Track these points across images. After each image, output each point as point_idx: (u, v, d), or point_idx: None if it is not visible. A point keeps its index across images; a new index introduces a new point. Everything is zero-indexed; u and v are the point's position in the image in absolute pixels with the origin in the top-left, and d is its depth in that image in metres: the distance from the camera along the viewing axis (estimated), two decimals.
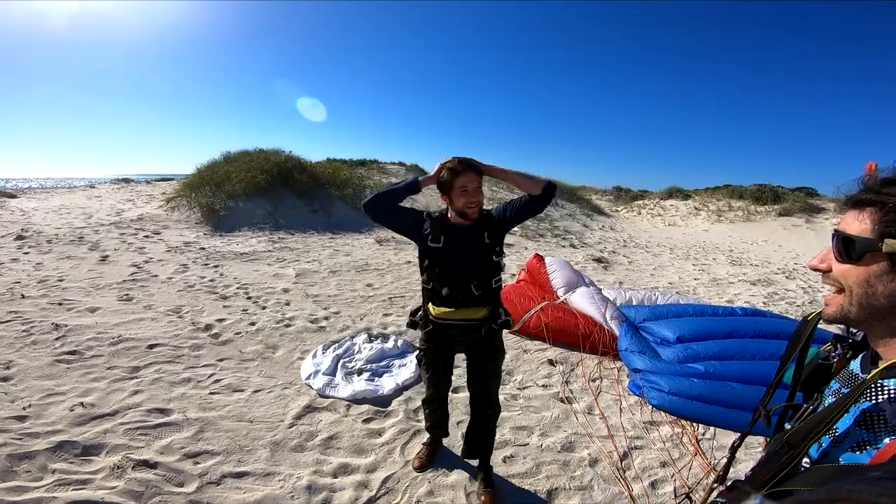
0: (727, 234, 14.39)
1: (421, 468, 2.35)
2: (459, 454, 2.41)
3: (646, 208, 19.48)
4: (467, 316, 1.98)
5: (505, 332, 4.33)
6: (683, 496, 1.05)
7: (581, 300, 4.78)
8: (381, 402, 3.02)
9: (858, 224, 0.67)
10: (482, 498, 2.17)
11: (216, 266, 6.25)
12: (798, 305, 6.07)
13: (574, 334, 4.19)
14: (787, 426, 0.82)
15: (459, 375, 2.50)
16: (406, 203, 2.01)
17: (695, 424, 2.91)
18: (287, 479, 2.23)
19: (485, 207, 2.00)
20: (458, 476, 2.32)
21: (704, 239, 13.22)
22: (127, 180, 13.04)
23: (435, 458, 2.43)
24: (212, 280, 5.55)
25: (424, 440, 2.53)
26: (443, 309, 1.98)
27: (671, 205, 19.34)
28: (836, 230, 0.70)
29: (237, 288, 5.32)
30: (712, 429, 2.86)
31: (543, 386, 3.41)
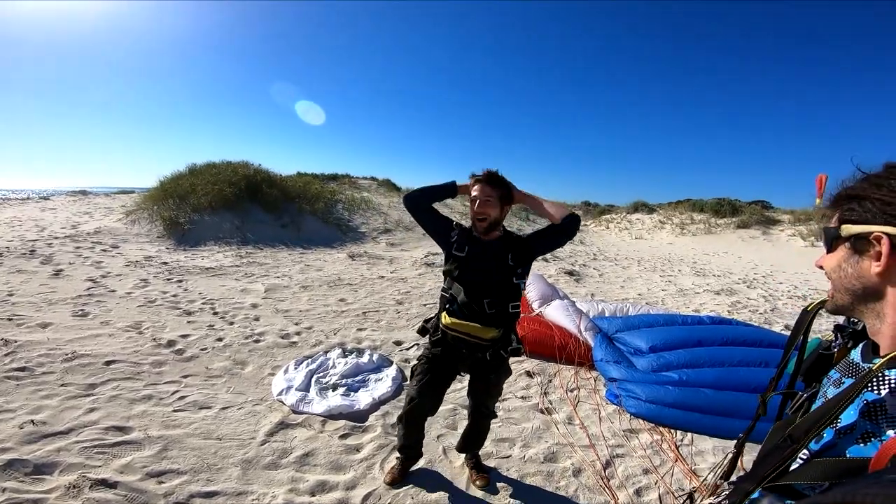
0: (690, 246, 14.93)
1: (392, 483, 2.27)
2: (432, 471, 2.40)
3: (613, 222, 20.04)
4: (477, 333, 1.94)
5: None
6: (686, 496, 1.02)
7: (556, 313, 4.82)
8: (358, 418, 2.92)
9: (832, 219, 0.75)
10: (478, 481, 2.29)
11: (180, 281, 5.98)
12: (761, 313, 6.30)
13: (550, 346, 4.20)
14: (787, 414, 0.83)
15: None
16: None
17: (673, 431, 2.94)
18: (261, 497, 2.10)
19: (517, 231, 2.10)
20: (440, 494, 2.25)
21: (669, 251, 13.66)
22: (84, 192, 12.41)
23: (407, 474, 2.35)
24: (175, 295, 5.30)
25: (398, 454, 2.43)
26: (454, 319, 1.96)
27: (637, 218, 19.96)
28: (822, 227, 0.78)
29: (202, 303, 5.09)
30: (690, 434, 2.89)
31: (522, 397, 3.38)
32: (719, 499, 0.84)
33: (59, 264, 5.97)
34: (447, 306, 2.01)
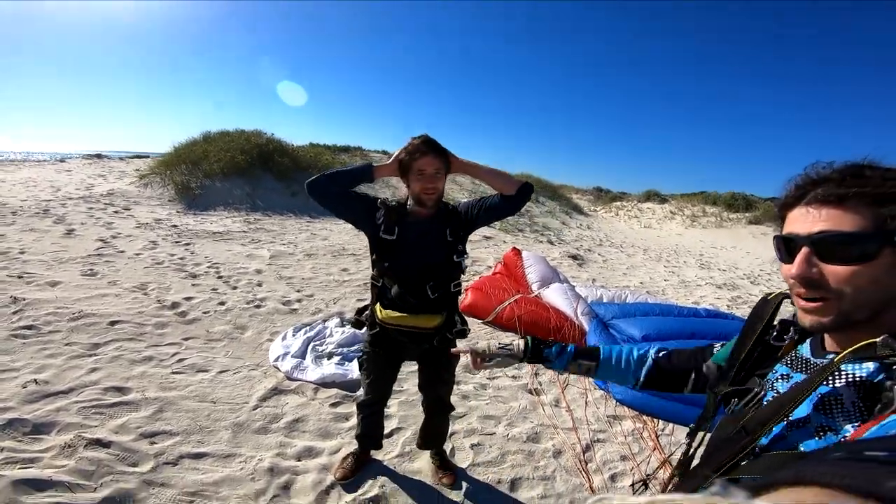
0: (699, 238, 14.77)
1: (344, 478, 2.13)
2: (394, 463, 2.32)
3: (623, 209, 19.84)
4: (419, 324, 1.76)
5: (477, 322, 4.41)
6: (641, 483, 1.06)
7: (554, 295, 4.85)
8: (350, 387, 2.99)
9: (843, 221, 0.65)
10: (443, 479, 2.20)
11: (187, 244, 6.09)
12: None
13: (545, 328, 4.25)
14: (732, 410, 0.81)
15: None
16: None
17: (655, 420, 2.99)
18: (248, 460, 2.19)
19: (452, 201, 1.86)
20: (422, 462, 2.33)
21: (677, 242, 13.54)
22: (99, 156, 12.55)
23: (361, 469, 2.21)
24: (181, 258, 5.40)
25: (352, 450, 2.27)
26: (391, 313, 1.76)
27: (648, 207, 19.74)
28: (822, 230, 0.68)
29: (208, 267, 5.20)
30: (671, 425, 2.94)
31: (513, 377, 3.44)
32: (670, 488, 0.86)
33: (72, 224, 6.09)
34: (381, 298, 1.79)
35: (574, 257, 8.68)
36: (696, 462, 0.89)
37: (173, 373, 2.89)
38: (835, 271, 0.63)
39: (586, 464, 2.47)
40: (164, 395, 2.62)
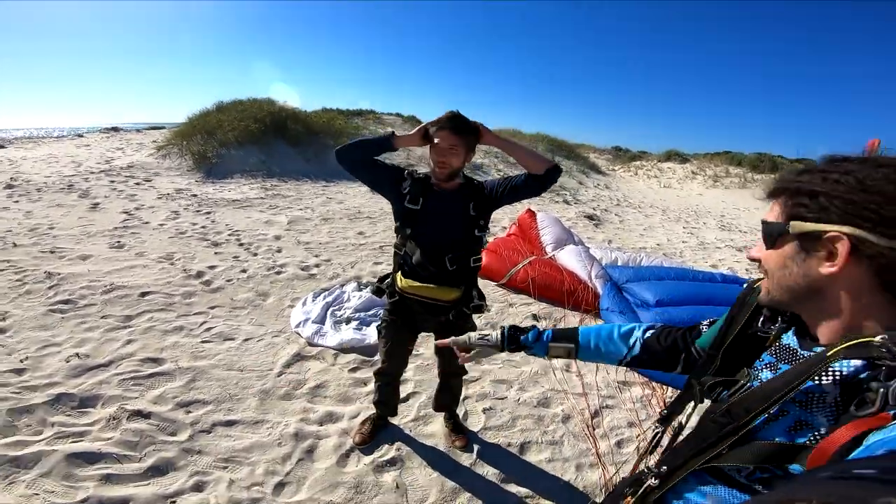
0: (721, 199, 14.40)
1: (362, 443, 2.25)
2: (409, 426, 2.44)
3: (643, 169, 19.33)
4: (436, 296, 1.83)
5: (491, 284, 4.46)
6: (632, 480, 1.00)
7: (568, 257, 4.87)
8: (368, 352, 3.12)
9: (773, 212, 0.71)
10: (456, 442, 2.33)
11: (208, 213, 6.24)
12: None
13: (559, 290, 4.30)
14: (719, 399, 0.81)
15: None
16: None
17: (664, 387, 3.07)
18: (275, 426, 2.35)
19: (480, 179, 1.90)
20: (436, 426, 2.47)
21: (698, 203, 13.26)
22: (116, 129, 12.73)
23: (378, 434, 2.33)
24: (203, 227, 5.56)
25: (370, 415, 2.41)
26: (410, 282, 1.83)
27: (668, 167, 19.18)
28: (762, 220, 0.73)
29: (228, 235, 5.35)
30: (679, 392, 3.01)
31: None
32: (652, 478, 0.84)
33: (96, 198, 6.27)
34: (402, 266, 1.86)
35: (590, 217, 8.61)
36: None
37: (202, 342, 3.05)
38: (762, 254, 0.74)
39: (594, 429, 2.57)
40: (196, 364, 2.79)
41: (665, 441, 1.01)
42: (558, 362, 3.25)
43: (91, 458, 2.02)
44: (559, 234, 5.58)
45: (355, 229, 6.18)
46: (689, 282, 4.49)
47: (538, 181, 1.77)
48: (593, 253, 5.27)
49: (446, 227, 1.79)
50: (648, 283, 4.40)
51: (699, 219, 10.22)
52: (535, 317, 3.98)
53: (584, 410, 2.73)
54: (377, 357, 3.03)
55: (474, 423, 2.53)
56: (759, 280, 0.84)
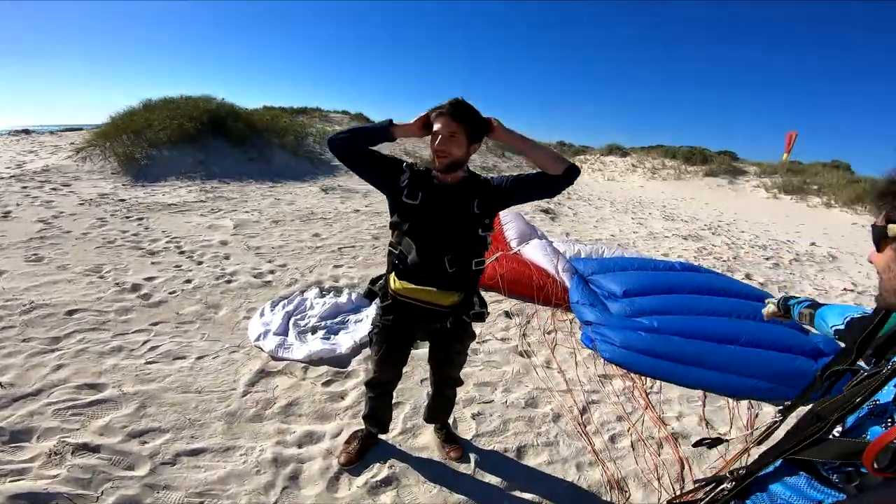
0: (660, 190, 15.16)
1: (349, 463, 2.05)
2: (398, 441, 2.26)
3: (587, 163, 20.03)
4: (433, 300, 1.66)
5: None
6: (711, 480, 1.00)
7: (534, 252, 4.84)
8: (340, 363, 2.90)
9: (881, 216, 0.73)
10: (451, 453, 2.17)
11: (140, 219, 5.64)
12: (724, 260, 6.54)
13: (528, 285, 4.25)
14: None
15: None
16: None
17: (644, 378, 3.07)
18: (249, 452, 2.09)
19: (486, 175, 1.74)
20: (427, 437, 2.30)
21: (641, 194, 13.85)
22: (27, 131, 11.40)
23: (366, 454, 2.12)
24: (136, 234, 5.00)
25: (355, 431, 2.21)
26: (404, 283, 1.66)
27: (611, 161, 20.00)
28: (872, 224, 0.75)
29: (167, 242, 4.84)
30: (658, 382, 3.02)
31: (502, 339, 3.44)
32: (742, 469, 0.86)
33: (7, 206, 5.47)
34: (397, 266, 1.71)
35: (546, 211, 8.72)
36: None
37: (148, 363, 2.69)
38: (873, 257, 0.76)
39: (585, 426, 2.51)
40: (144, 388, 2.44)
41: (779, 432, 0.97)
42: (538, 359, 3.19)
43: (37, 498, 1.72)
44: (523, 228, 5.56)
45: (310, 231, 5.84)
46: (651, 271, 4.59)
47: (556, 182, 1.60)
48: (557, 246, 5.28)
49: (446, 224, 1.62)
50: (614, 274, 4.45)
51: (644, 209, 10.65)
52: (507, 314, 3.90)
53: (572, 408, 2.66)
54: (351, 368, 2.84)
55: (465, 431, 2.38)
56: None
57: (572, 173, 1.61)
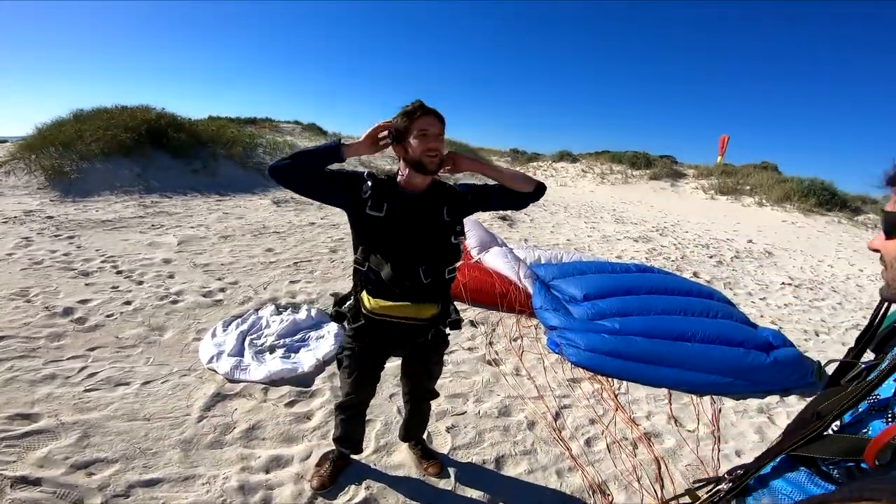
0: (610, 195, 15.76)
1: (322, 487, 1.93)
2: (372, 460, 2.17)
3: (540, 169, 20.57)
4: (412, 314, 1.59)
5: None
6: (712, 480, 1.01)
7: (495, 259, 4.85)
8: (303, 382, 2.76)
9: (892, 201, 0.70)
10: (429, 469, 2.10)
11: (71, 237, 5.18)
12: (672, 260, 6.86)
13: (491, 293, 4.25)
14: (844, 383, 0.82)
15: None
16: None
17: (610, 380, 3.11)
18: (212, 481, 1.92)
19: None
20: (402, 455, 2.21)
21: (591, 199, 14.32)
22: None
23: (339, 476, 2.01)
24: (66, 254, 4.58)
25: (326, 452, 2.10)
26: (381, 302, 1.57)
27: (562, 167, 20.64)
28: (883, 209, 0.72)
29: (102, 261, 4.46)
30: (625, 383, 3.08)
31: (469, 349, 3.40)
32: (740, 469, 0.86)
33: None
34: (367, 285, 1.60)
35: (503, 218, 8.82)
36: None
37: (86, 390, 2.44)
38: (882, 245, 0.72)
39: (560, 432, 2.50)
40: (84, 417, 2.21)
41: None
42: (506, 366, 3.17)
43: None
44: (482, 236, 5.57)
45: (262, 246, 5.57)
46: (608, 274, 4.71)
47: (525, 199, 1.65)
48: (517, 253, 5.33)
49: (417, 235, 1.55)
50: (573, 278, 4.54)
51: (596, 214, 11.01)
52: (472, 323, 3.87)
53: (545, 414, 2.65)
54: (315, 387, 2.69)
55: (441, 445, 2.31)
56: None
57: (541, 190, 1.67)
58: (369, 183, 1.54)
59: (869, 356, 0.86)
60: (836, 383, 0.83)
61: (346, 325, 1.72)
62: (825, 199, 12.90)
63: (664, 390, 3.01)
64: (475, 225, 5.86)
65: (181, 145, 9.27)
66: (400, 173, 1.57)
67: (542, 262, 5.31)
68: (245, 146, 10.54)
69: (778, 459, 0.78)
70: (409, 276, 1.55)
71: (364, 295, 1.61)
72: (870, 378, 0.70)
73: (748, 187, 14.76)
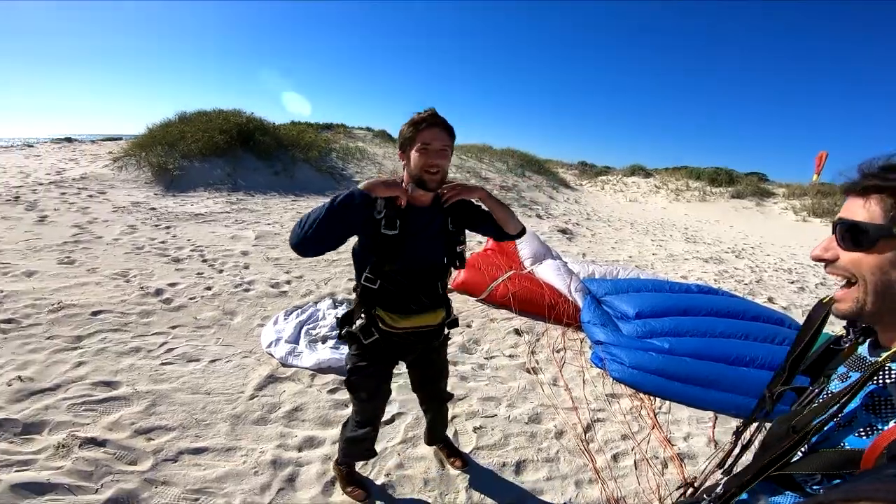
0: (684, 212, 14.92)
1: (367, 498, 1.96)
2: (398, 449, 2.26)
3: (609, 184, 19.88)
4: (428, 322, 1.62)
5: (471, 300, 4.39)
6: (686, 484, 1.04)
7: (547, 271, 4.85)
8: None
9: (866, 211, 0.66)
10: (456, 463, 2.18)
11: (168, 227, 5.88)
12: (746, 283, 6.38)
13: (540, 304, 4.25)
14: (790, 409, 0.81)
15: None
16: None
17: (652, 398, 3.01)
18: (250, 453, 2.14)
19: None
20: (426, 448, 2.31)
21: (662, 216, 13.66)
22: (70, 139, 12.00)
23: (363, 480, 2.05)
24: (163, 242, 5.22)
25: (341, 472, 2.03)
26: (403, 317, 1.55)
27: (633, 181, 19.80)
28: (840, 218, 0.69)
29: (191, 250, 5.03)
30: (668, 403, 2.97)
31: (510, 356, 3.43)
32: (719, 488, 0.84)
33: (44, 210, 5.81)
34: (381, 302, 1.56)
35: (563, 231, 8.69)
36: (745, 458, 0.88)
37: (163, 364, 2.79)
38: (846, 256, 0.68)
39: (588, 444, 2.48)
40: (156, 387, 2.53)
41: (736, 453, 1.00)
42: (545, 376, 3.17)
43: (39, 488, 1.79)
44: (537, 248, 5.56)
45: None
46: (666, 293, 4.52)
47: (505, 235, 1.72)
48: (571, 267, 5.26)
49: (431, 246, 1.56)
50: (627, 295, 4.42)
51: (665, 231, 10.49)
52: (517, 331, 3.89)
53: (576, 425, 2.63)
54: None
55: (465, 444, 2.39)
56: (828, 298, 0.84)
57: (522, 233, 1.75)
58: (382, 201, 1.47)
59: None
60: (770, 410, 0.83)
61: (356, 346, 1.66)
62: None
63: (710, 413, 2.87)
64: (531, 237, 5.85)
65: (265, 148, 10.15)
66: (404, 183, 1.52)
67: (597, 276, 5.20)
68: (320, 151, 11.29)
69: (757, 484, 0.77)
70: (427, 289, 1.59)
71: (381, 312, 1.56)
72: (839, 390, 0.70)
73: None
